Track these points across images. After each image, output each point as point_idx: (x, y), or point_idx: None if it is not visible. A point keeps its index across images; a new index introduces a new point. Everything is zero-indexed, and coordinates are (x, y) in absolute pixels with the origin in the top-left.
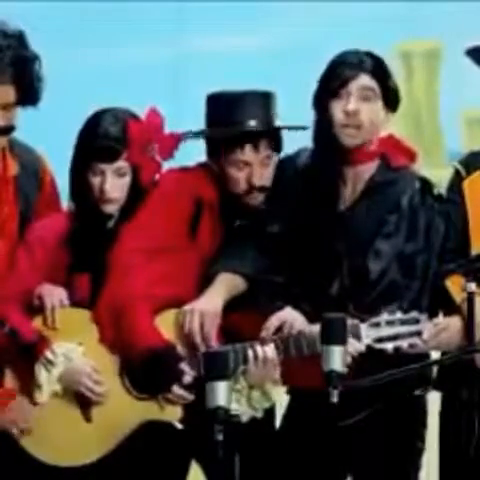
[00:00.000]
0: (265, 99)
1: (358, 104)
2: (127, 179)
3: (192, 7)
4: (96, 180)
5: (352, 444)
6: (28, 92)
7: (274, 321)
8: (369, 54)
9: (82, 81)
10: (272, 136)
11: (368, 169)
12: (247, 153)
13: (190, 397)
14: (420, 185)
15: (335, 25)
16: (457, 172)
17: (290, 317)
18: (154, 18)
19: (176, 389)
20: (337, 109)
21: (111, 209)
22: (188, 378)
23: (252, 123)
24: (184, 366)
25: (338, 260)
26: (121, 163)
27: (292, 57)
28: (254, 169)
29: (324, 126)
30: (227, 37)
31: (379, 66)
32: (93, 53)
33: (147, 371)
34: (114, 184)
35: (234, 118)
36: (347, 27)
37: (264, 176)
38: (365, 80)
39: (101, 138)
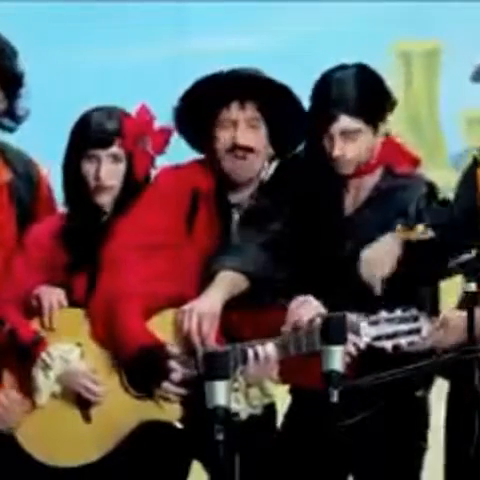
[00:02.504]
0: (259, 72)
1: (343, 147)
2: (122, 167)
3: (192, 7)
4: (91, 167)
5: (354, 444)
6: (9, 72)
7: (307, 312)
8: (356, 74)
9: (81, 81)
10: (260, 100)
11: (371, 177)
12: (233, 111)
13: (182, 392)
14: (426, 190)
15: (335, 25)
16: (475, 160)
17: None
18: (154, 18)
19: (167, 385)
20: (326, 146)
21: (105, 200)
22: (177, 375)
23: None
24: (173, 363)
25: (342, 265)
26: (116, 149)
27: (292, 57)
28: (239, 128)
29: (316, 153)
30: (227, 37)
31: (365, 92)
32: (92, 53)
33: (135, 368)
34: (109, 170)
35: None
36: (346, 27)
37: (249, 137)
38: (346, 122)
39: (95, 126)
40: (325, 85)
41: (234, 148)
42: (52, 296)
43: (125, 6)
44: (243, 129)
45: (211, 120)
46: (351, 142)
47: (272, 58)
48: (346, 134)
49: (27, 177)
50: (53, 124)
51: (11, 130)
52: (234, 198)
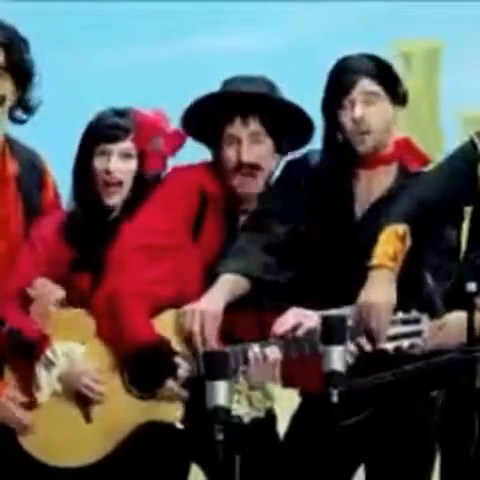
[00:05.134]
0: (262, 81)
1: (364, 110)
2: (132, 164)
3: (193, 7)
4: (102, 162)
5: (365, 445)
6: (19, 64)
7: (291, 319)
8: (369, 57)
9: (85, 81)
10: (265, 115)
11: (385, 174)
12: (236, 126)
13: (184, 394)
14: None
15: (335, 25)
16: (473, 145)
17: (303, 317)
18: (156, 19)
19: (171, 384)
20: (345, 118)
21: (114, 201)
22: (182, 372)
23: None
24: (178, 359)
25: (353, 263)
26: (127, 145)
27: (293, 56)
28: (243, 144)
29: (334, 134)
30: (228, 37)
31: (380, 68)
32: (95, 54)
33: (139, 366)
34: (119, 165)
35: (225, 88)
36: (347, 27)
37: (253, 153)
38: (366, 84)
39: (107, 122)
40: (342, 62)
41: (240, 166)
42: (49, 294)
43: (127, 7)
44: (247, 145)
45: (217, 135)
46: (371, 106)
47: (273, 58)
48: (367, 97)
49: (33, 169)
50: (57, 123)
51: (23, 122)
52: (242, 205)
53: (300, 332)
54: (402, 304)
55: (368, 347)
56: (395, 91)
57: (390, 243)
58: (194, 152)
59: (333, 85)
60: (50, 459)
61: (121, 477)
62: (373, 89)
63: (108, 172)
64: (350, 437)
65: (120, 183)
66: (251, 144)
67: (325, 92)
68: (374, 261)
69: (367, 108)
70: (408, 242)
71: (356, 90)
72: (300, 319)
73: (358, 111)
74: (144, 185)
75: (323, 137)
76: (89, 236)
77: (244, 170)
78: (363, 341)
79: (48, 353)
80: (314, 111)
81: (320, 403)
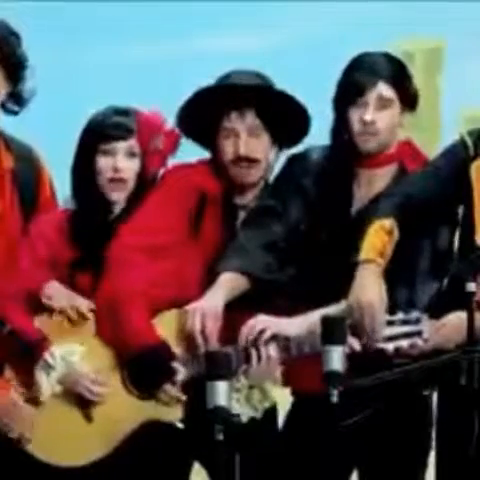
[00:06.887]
0: (256, 75)
1: (375, 114)
2: (136, 163)
3: (194, 7)
4: (107, 161)
5: (359, 444)
6: (11, 57)
7: (255, 327)
8: (387, 56)
9: (83, 80)
10: (260, 108)
11: (383, 174)
12: (233, 120)
13: (182, 397)
14: None
15: (337, 25)
16: (464, 145)
17: (270, 324)
18: (156, 18)
19: (168, 388)
20: (355, 117)
21: (120, 196)
22: (180, 377)
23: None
24: (177, 365)
25: (349, 261)
26: (132, 143)
27: (294, 57)
28: (241, 138)
29: (341, 131)
30: (229, 37)
31: (397, 70)
32: (95, 53)
33: (138, 368)
34: (125, 164)
35: (220, 83)
36: (348, 27)
37: (251, 146)
38: (383, 89)
39: (111, 121)
40: (360, 59)
41: (238, 159)
42: (68, 301)
43: (127, 6)
44: (245, 139)
45: (213, 129)
46: (383, 110)
47: (273, 59)
48: (381, 101)
49: (28, 163)
50: (55, 122)
51: (15, 113)
52: (240, 200)
53: (264, 337)
54: (394, 305)
55: (357, 346)
56: (407, 96)
57: (377, 237)
58: (194, 151)
59: (348, 82)
60: (51, 459)
61: (122, 476)
62: (388, 95)
63: (116, 170)
64: (349, 437)
65: (125, 181)
66: (249, 138)
67: (339, 87)
68: (362, 256)
69: (378, 113)
70: (395, 236)
71: (371, 93)
72: (264, 326)
73: (369, 115)
74: (146, 184)
75: (331, 132)
76: (92, 235)
77: (242, 163)
78: (352, 341)
79: (47, 356)
80: (314, 111)
81: (315, 403)
